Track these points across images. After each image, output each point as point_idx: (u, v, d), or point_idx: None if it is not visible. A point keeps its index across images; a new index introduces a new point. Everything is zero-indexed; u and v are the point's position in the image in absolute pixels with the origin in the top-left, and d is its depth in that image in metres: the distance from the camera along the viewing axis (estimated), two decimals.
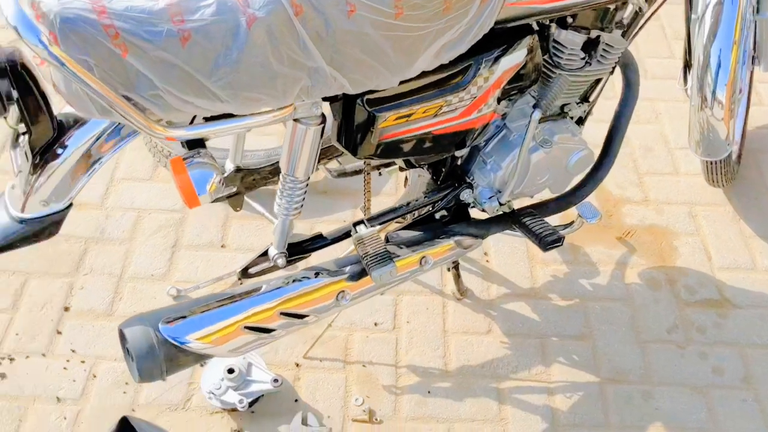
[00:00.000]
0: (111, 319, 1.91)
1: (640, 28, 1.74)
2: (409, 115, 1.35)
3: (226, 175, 1.68)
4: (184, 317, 1.36)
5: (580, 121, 1.80)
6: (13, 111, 1.20)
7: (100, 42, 1.04)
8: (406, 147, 1.42)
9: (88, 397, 1.77)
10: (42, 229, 1.29)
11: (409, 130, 1.38)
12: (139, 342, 1.32)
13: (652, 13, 1.74)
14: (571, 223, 1.79)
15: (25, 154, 1.23)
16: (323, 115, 1.30)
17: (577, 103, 1.73)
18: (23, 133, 1.22)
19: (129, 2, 1.05)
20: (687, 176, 2.31)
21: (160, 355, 1.33)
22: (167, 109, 1.13)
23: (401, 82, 1.29)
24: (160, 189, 2.21)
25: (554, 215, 1.78)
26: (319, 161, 1.76)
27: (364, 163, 1.73)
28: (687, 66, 2.03)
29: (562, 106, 1.69)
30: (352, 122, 1.33)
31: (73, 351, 1.85)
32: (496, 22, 1.36)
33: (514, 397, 1.81)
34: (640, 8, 1.64)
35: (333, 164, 1.86)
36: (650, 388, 1.83)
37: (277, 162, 1.74)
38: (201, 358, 1.39)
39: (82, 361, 1.83)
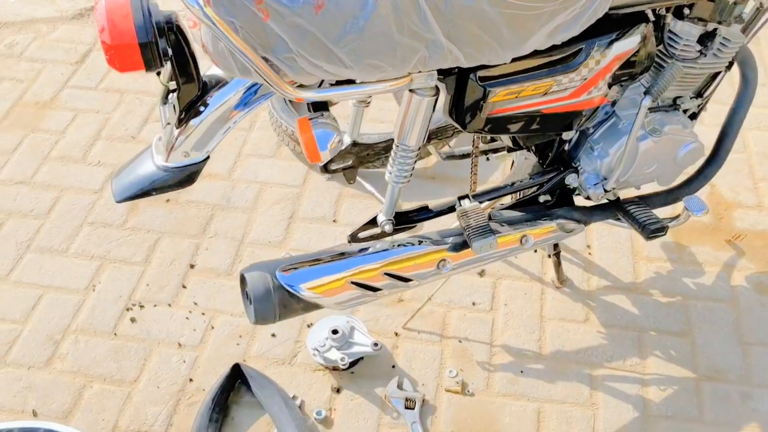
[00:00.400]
0: (231, 278, 2.08)
1: (762, 26, 1.73)
2: (519, 92, 1.42)
3: (343, 148, 1.81)
4: (299, 267, 1.49)
5: (694, 117, 1.81)
6: (166, 70, 1.37)
7: (246, 6, 1.18)
8: (514, 124, 1.49)
9: (205, 345, 1.93)
10: (182, 177, 1.44)
11: (519, 106, 1.45)
12: (257, 285, 1.45)
13: None
14: (678, 216, 1.79)
15: (173, 108, 1.39)
16: (437, 88, 1.40)
17: (691, 98, 1.75)
18: (172, 91, 1.38)
19: None
20: None
21: (275, 299, 1.46)
22: (299, 71, 1.26)
23: (513, 60, 1.37)
24: (281, 166, 2.38)
25: (660, 209, 1.80)
26: (429, 141, 1.86)
27: (473, 146, 1.81)
28: None
29: (675, 99, 1.71)
30: (464, 96, 1.41)
31: (196, 304, 2.02)
32: (611, 8, 1.41)
33: (607, 384, 1.83)
34: (761, 4, 1.64)
35: (443, 147, 1.95)
36: (749, 389, 1.81)
37: (391, 140, 1.86)
38: (311, 307, 1.51)
39: (203, 313, 2.00)
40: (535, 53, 1.38)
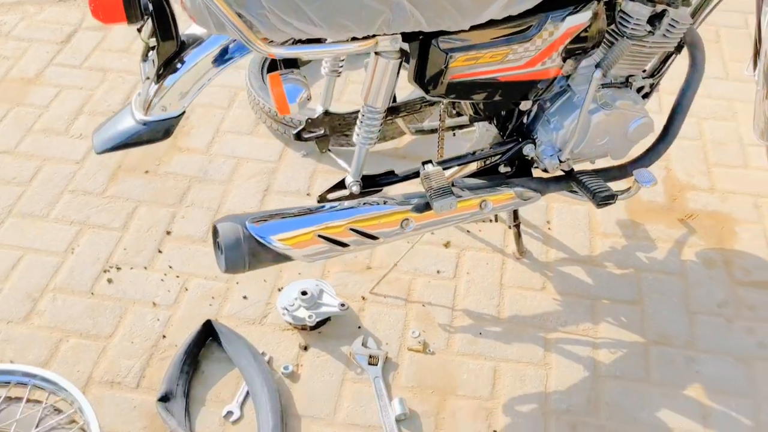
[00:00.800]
0: (206, 244, 2.16)
1: (711, 11, 1.85)
2: (477, 58, 1.53)
3: (315, 116, 1.90)
4: (269, 220, 1.58)
5: (647, 96, 1.92)
6: (146, 28, 1.46)
7: None
8: (474, 90, 1.59)
9: (179, 305, 2.01)
10: (159, 130, 1.54)
11: (477, 72, 1.55)
12: (228, 234, 1.54)
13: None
14: (629, 188, 1.90)
15: (153, 64, 1.48)
16: (402, 51, 1.50)
17: (644, 77, 1.86)
18: (152, 48, 1.48)
19: None
20: (757, 170, 2.37)
21: (245, 248, 1.54)
22: (270, 28, 1.36)
23: (472, 28, 1.48)
24: (258, 142, 2.47)
25: (613, 182, 1.91)
26: (398, 115, 1.96)
27: (439, 120, 1.91)
28: (756, 54, 2.12)
29: (628, 77, 1.82)
30: (426, 61, 1.52)
31: (170, 267, 2.10)
32: None
33: (560, 346, 1.93)
34: None
35: (411, 122, 2.05)
36: (694, 354, 1.92)
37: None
38: (280, 258, 1.60)
39: (177, 276, 2.08)
40: (493, 22, 1.49)
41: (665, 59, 1.88)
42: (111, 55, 2.80)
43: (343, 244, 1.64)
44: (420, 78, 1.56)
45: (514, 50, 1.55)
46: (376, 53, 1.50)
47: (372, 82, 1.54)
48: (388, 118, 1.95)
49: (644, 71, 1.90)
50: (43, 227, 2.20)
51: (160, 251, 2.15)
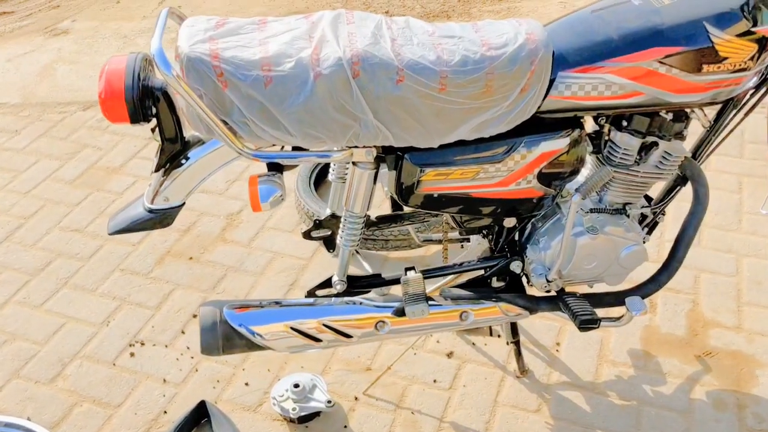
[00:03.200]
0: None
1: (716, 147, 1.85)
2: (448, 174, 1.62)
3: (323, 218, 2.03)
4: (246, 308, 1.69)
5: (652, 227, 1.92)
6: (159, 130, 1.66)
7: (209, 77, 1.46)
8: (449, 203, 1.67)
9: (186, 384, 2.14)
10: (160, 219, 1.71)
11: (449, 187, 1.64)
12: (206, 317, 1.67)
13: (725, 136, 1.85)
14: (621, 317, 1.87)
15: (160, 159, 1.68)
16: (377, 162, 1.62)
17: (644, 206, 1.87)
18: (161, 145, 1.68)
19: (236, 52, 1.47)
20: None
21: (219, 332, 1.66)
22: (251, 135, 1.52)
23: (441, 146, 1.58)
24: (296, 240, 2.63)
25: (606, 308, 1.89)
26: (404, 224, 2.06)
27: (443, 232, 2.00)
28: None
29: (624, 204, 1.84)
30: (401, 173, 1.62)
31: (188, 348, 2.25)
32: (541, 111, 1.60)
33: None
34: (703, 125, 1.77)
35: (421, 231, 2.14)
36: None
37: (367, 217, 2.07)
38: (253, 346, 1.70)
39: (192, 357, 2.22)
40: (463, 141, 1.59)
41: (670, 189, 1.89)
42: None
43: (317, 339, 1.72)
44: (398, 189, 1.66)
45: (485, 169, 1.62)
46: (353, 163, 1.62)
47: (350, 190, 1.66)
48: (395, 226, 2.05)
49: (649, 200, 1.91)
50: (89, 299, 2.42)
51: (183, 332, 2.30)
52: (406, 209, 2.08)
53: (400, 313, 1.75)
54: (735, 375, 2.09)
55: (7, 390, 2.14)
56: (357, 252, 2.27)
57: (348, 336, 1.74)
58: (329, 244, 2.09)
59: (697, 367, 2.11)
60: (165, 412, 2.07)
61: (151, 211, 1.71)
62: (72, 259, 2.59)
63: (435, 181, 1.62)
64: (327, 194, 2.76)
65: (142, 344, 2.27)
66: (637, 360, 2.14)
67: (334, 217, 2.05)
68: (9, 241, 2.68)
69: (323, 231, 2.07)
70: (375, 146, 1.59)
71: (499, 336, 2.22)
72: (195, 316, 2.36)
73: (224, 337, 1.67)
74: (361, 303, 1.74)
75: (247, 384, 2.13)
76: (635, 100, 1.61)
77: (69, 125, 3.32)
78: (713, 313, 2.27)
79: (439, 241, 2.13)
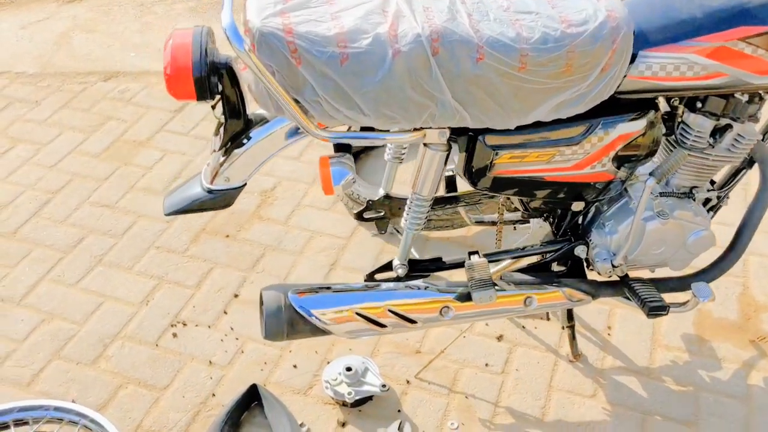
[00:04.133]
0: None
1: None
2: (523, 157, 1.56)
3: (376, 199, 1.98)
4: (311, 292, 1.65)
5: (714, 209, 1.88)
6: (219, 105, 1.60)
7: (282, 53, 1.39)
8: (520, 187, 1.62)
9: (233, 366, 2.10)
10: (220, 200, 1.65)
11: (523, 170, 1.59)
12: (270, 302, 1.62)
13: None
14: (686, 302, 1.84)
15: (221, 139, 1.61)
16: (449, 144, 1.56)
17: (710, 190, 1.82)
18: (222, 124, 1.61)
19: (310, 27, 1.40)
20: None
21: (285, 317, 1.62)
22: (323, 114, 1.46)
23: (518, 127, 1.52)
24: (334, 218, 2.57)
25: (671, 293, 1.85)
26: (458, 205, 2.01)
27: (498, 214, 1.95)
28: None
29: (691, 188, 1.79)
30: (473, 155, 1.57)
31: (232, 329, 2.20)
32: (619, 92, 1.55)
33: None
34: None
35: (473, 212, 2.09)
36: None
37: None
38: (318, 331, 1.66)
39: (236, 338, 2.17)
40: (540, 123, 1.53)
41: (736, 173, 1.84)
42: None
43: (381, 325, 1.68)
44: (468, 171, 1.60)
45: (562, 152, 1.57)
46: (424, 144, 1.56)
47: (419, 172, 1.60)
48: (448, 207, 2.00)
49: (713, 183, 1.86)
50: (126, 278, 2.37)
51: (225, 312, 2.26)
52: (460, 191, 2.04)
53: (464, 298, 1.70)
54: None
55: (48, 371, 2.09)
56: (396, 231, 2.22)
57: (412, 321, 1.69)
58: (381, 225, 2.04)
59: (752, 352, 2.09)
60: (213, 395, 2.03)
61: (210, 191, 1.66)
62: (105, 235, 2.53)
63: (509, 164, 1.57)
64: (364, 171, 2.71)
65: (184, 325, 2.22)
66: (691, 345, 2.11)
67: (388, 198, 2.00)
68: (38, 216, 2.61)
69: (376, 212, 2.02)
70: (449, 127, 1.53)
71: (548, 319, 2.18)
72: (236, 296, 2.31)
73: (289, 323, 1.62)
74: (426, 288, 1.70)
75: (295, 366, 2.09)
76: (717, 81, 1.55)
77: (90, 96, 3.24)
78: (765, 297, 2.24)
79: (492, 223, 2.08)
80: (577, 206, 1.74)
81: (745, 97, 1.64)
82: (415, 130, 1.52)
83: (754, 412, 1.94)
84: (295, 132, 1.60)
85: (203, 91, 1.47)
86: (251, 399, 1.98)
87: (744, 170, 1.83)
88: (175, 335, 2.19)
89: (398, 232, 2.39)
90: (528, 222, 2.00)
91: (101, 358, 2.13)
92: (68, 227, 2.57)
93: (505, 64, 1.43)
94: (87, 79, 3.37)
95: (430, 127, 1.51)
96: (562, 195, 1.66)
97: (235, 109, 1.56)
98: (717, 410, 1.95)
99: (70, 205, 2.66)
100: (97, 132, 3.02)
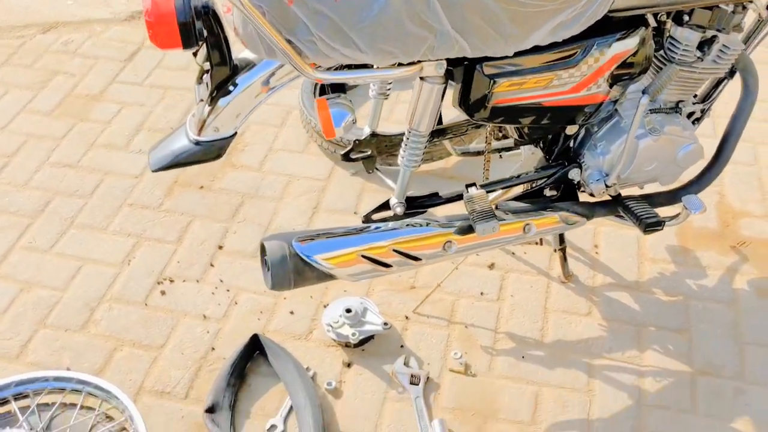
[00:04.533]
0: (256, 259, 2.21)
1: (764, 37, 1.82)
2: (521, 84, 1.54)
3: (363, 138, 1.94)
4: (314, 239, 1.61)
5: (697, 121, 1.90)
6: (201, 52, 1.52)
7: None
8: (518, 114, 1.60)
9: (228, 319, 2.07)
10: (211, 151, 1.59)
11: (521, 98, 1.57)
12: (274, 252, 1.58)
13: None
14: (678, 214, 1.88)
15: (207, 86, 1.54)
16: (446, 76, 1.52)
17: (694, 103, 1.84)
18: (207, 71, 1.53)
19: None
20: None
21: (290, 266, 1.58)
22: (318, 54, 1.40)
23: (516, 53, 1.49)
24: (309, 160, 2.52)
25: (662, 208, 1.89)
26: (444, 137, 1.98)
27: (485, 143, 1.93)
28: None
29: (677, 102, 1.81)
30: (471, 86, 1.54)
31: (222, 281, 2.16)
32: (611, 11, 1.53)
33: (605, 374, 1.91)
34: (760, 15, 1.73)
35: (458, 144, 2.07)
36: (743, 386, 1.87)
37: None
38: (324, 276, 1.63)
39: (228, 290, 2.14)
40: (537, 48, 1.50)
41: (717, 84, 1.86)
42: (171, 74, 2.90)
43: (386, 265, 1.66)
44: (464, 102, 1.58)
45: (559, 76, 1.55)
46: (420, 78, 1.52)
47: (416, 107, 1.57)
48: (435, 139, 1.97)
49: (695, 96, 1.88)
50: (102, 239, 2.29)
51: (212, 265, 2.21)
52: (445, 123, 2.02)
53: (465, 230, 1.70)
54: None
55: (36, 341, 2.02)
56: (377, 169, 2.19)
57: (417, 259, 1.68)
58: (369, 164, 2.01)
59: (734, 258, 2.16)
60: (213, 348, 2.00)
61: (198, 143, 1.59)
62: (72, 196, 2.42)
63: (508, 92, 1.55)
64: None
65: (171, 281, 2.17)
66: (676, 256, 2.17)
67: (374, 136, 1.96)
68: None
69: (364, 151, 1.98)
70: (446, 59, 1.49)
71: (540, 243, 2.21)
72: (221, 247, 2.26)
73: (295, 271, 1.59)
74: (427, 224, 1.68)
75: (292, 313, 2.07)
76: None
77: (31, 51, 3.05)
78: (741, 203, 2.31)
79: (477, 153, 2.07)
80: (571, 130, 1.74)
81: (730, 7, 1.64)
82: (411, 64, 1.48)
83: (741, 315, 2.02)
84: (285, 74, 1.53)
85: (189, 37, 1.39)
86: (253, 349, 1.96)
87: (725, 80, 1.85)
88: (163, 293, 2.14)
89: (377, 170, 2.35)
90: (515, 149, 1.99)
91: (90, 323, 2.07)
92: (31, 191, 2.45)
93: None
94: (24, 32, 3.17)
95: (429, 60, 1.46)
96: (558, 119, 1.65)
97: (220, 54, 1.48)
98: (707, 316, 2.02)
99: (29, 167, 2.53)
100: (45, 89, 2.86)
